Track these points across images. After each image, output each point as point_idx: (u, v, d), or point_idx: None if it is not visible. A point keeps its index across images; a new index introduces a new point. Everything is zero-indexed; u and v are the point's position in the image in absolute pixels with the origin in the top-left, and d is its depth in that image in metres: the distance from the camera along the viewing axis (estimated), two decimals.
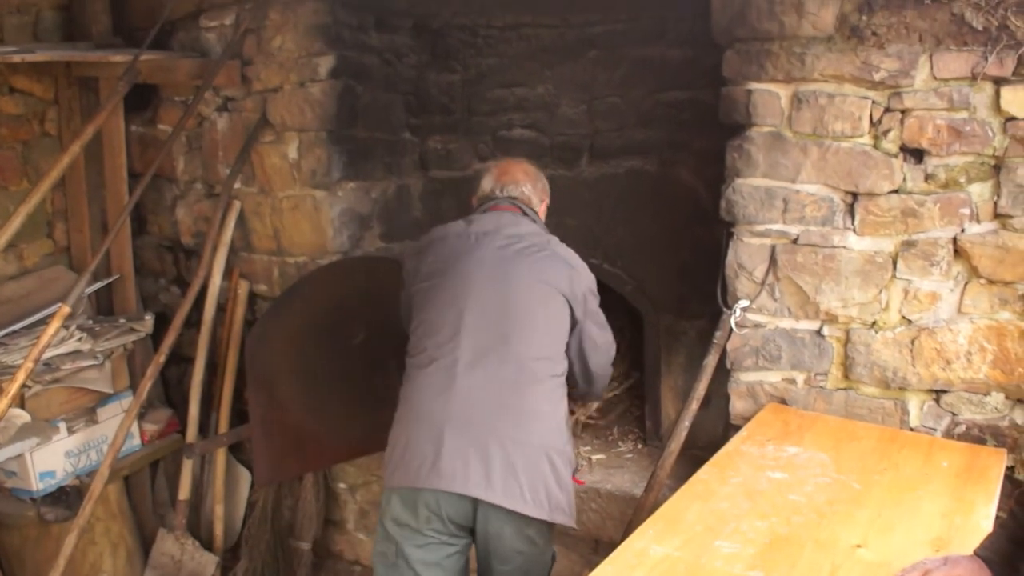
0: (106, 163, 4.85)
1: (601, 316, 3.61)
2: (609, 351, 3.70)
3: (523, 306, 3.37)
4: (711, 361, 3.76)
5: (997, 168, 3.35)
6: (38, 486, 4.31)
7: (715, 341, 3.76)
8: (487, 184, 3.75)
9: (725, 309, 3.76)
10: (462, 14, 4.54)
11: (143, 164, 4.86)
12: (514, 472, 3.19)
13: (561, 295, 3.41)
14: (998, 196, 3.36)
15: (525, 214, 3.65)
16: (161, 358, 4.45)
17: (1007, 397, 3.49)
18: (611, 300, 4.80)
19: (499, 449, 3.20)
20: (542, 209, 3.78)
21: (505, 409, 3.28)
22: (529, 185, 3.74)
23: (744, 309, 3.72)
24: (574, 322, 3.46)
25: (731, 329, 3.74)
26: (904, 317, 3.54)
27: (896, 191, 3.45)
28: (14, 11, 4.69)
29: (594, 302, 3.56)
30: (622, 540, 2.94)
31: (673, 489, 3.28)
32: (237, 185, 4.69)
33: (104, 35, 4.78)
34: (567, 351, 3.47)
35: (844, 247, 3.54)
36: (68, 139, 4.71)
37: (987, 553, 2.42)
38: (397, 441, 3.37)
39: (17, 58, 4.21)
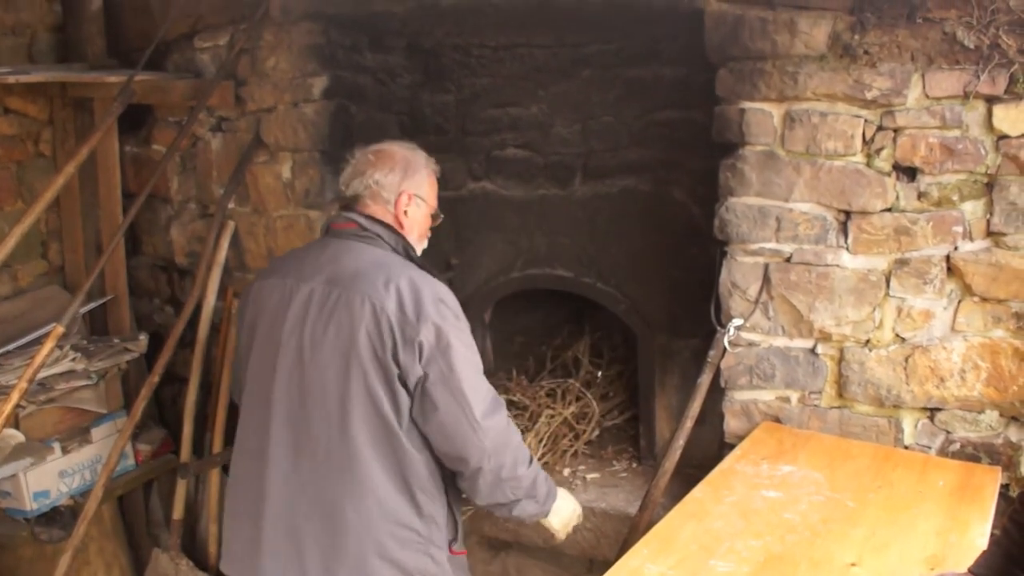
0: (100, 183, 4.86)
1: (471, 386, 2.87)
2: (485, 435, 2.89)
3: (331, 382, 2.87)
4: (705, 380, 3.76)
5: (990, 186, 3.36)
6: (32, 506, 4.29)
7: (709, 360, 3.76)
8: (343, 178, 3.15)
9: (719, 328, 3.77)
10: (456, 34, 4.55)
11: (137, 184, 4.87)
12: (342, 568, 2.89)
13: (374, 355, 2.83)
14: (991, 214, 3.37)
15: (365, 231, 3.02)
16: (155, 378, 4.44)
17: (1001, 415, 3.49)
18: (605, 320, 4.84)
19: (318, 564, 2.89)
20: (407, 204, 3.11)
21: (318, 515, 2.90)
22: (384, 172, 3.07)
23: (738, 328, 3.72)
24: (412, 386, 2.86)
25: (724, 348, 3.75)
26: (898, 335, 3.54)
27: (889, 209, 3.46)
28: (8, 32, 4.70)
29: (443, 361, 2.83)
30: (616, 559, 2.94)
31: (667, 508, 3.28)
32: (231, 205, 4.69)
33: (99, 56, 4.79)
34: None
35: (837, 265, 3.55)
36: (63, 159, 4.72)
37: (982, 571, 2.42)
38: (226, 525, 3.18)
39: (12, 79, 4.21)
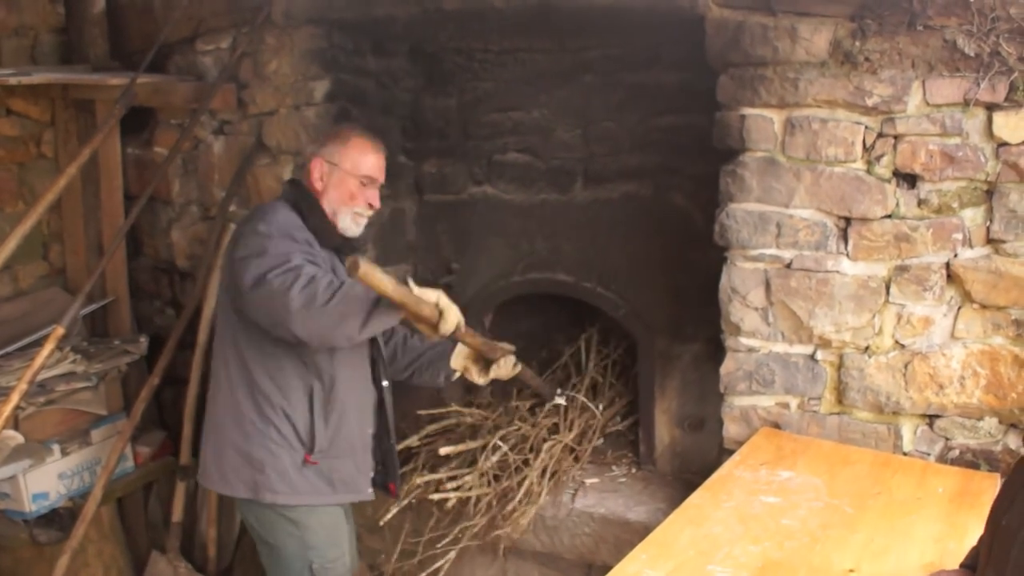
0: (102, 185, 4.87)
1: (244, 265, 3.23)
2: (272, 295, 3.14)
3: (218, 305, 3.69)
4: None
5: (990, 193, 3.37)
6: (31, 508, 4.29)
7: None
8: None
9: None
10: (458, 38, 4.55)
11: (139, 186, 4.87)
12: (211, 456, 3.59)
13: (224, 278, 3.53)
14: (991, 221, 3.38)
15: (288, 200, 3.52)
16: (155, 380, 4.46)
17: (1000, 422, 3.50)
18: (606, 324, 4.84)
19: (205, 447, 3.63)
20: (319, 170, 3.49)
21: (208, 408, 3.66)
22: (309, 147, 3.69)
23: None
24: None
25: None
26: (897, 342, 3.55)
27: (889, 216, 3.47)
28: (12, 34, 4.72)
29: (232, 254, 3.34)
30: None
31: (664, 512, 3.28)
32: (232, 208, 4.69)
33: (101, 58, 4.81)
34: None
35: (837, 272, 3.55)
36: (64, 161, 4.73)
37: (973, 561, 2.44)
38: None
39: (14, 80, 4.22)
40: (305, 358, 3.40)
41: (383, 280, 2.93)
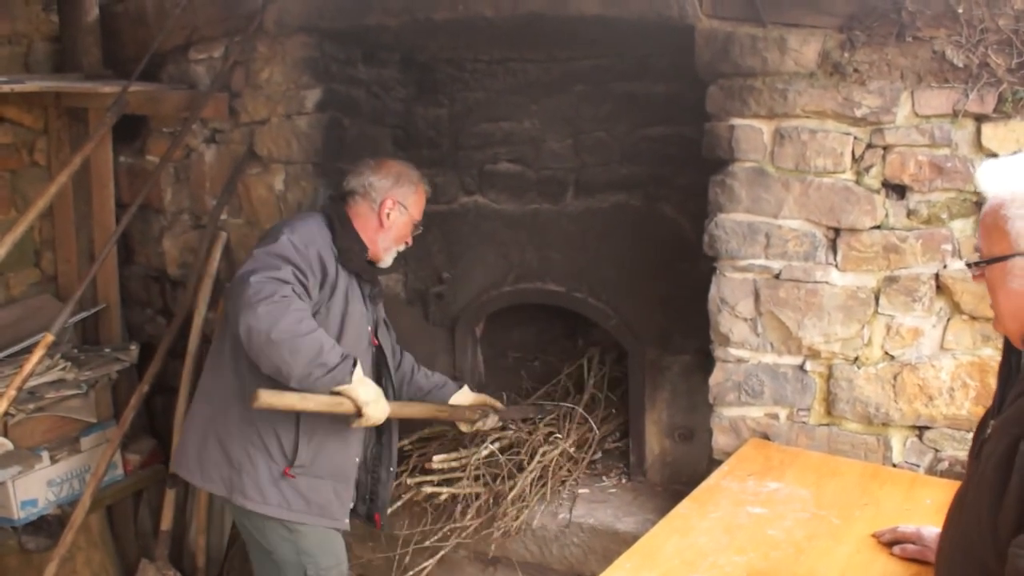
0: (94, 193, 4.88)
1: (246, 266, 3.34)
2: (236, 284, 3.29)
3: None
4: None
5: (979, 204, 3.35)
6: (20, 515, 4.29)
7: None
8: (347, 178, 3.77)
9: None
10: (449, 48, 4.56)
11: (131, 194, 4.88)
12: (192, 445, 3.59)
13: None
14: None
15: (324, 207, 3.71)
16: (145, 388, 4.46)
17: None
18: (599, 334, 4.83)
19: (189, 424, 3.68)
20: (390, 208, 3.65)
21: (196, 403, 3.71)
22: (379, 177, 3.67)
23: None
24: None
25: None
26: (887, 353, 3.54)
27: (878, 227, 3.47)
28: (5, 42, 4.74)
29: (249, 255, 3.42)
30: None
31: (653, 522, 3.27)
32: (223, 216, 4.71)
33: (94, 66, 4.82)
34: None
35: (826, 282, 3.55)
36: (57, 169, 4.74)
37: None
38: None
39: (7, 88, 4.23)
40: None
41: (286, 399, 3.28)
